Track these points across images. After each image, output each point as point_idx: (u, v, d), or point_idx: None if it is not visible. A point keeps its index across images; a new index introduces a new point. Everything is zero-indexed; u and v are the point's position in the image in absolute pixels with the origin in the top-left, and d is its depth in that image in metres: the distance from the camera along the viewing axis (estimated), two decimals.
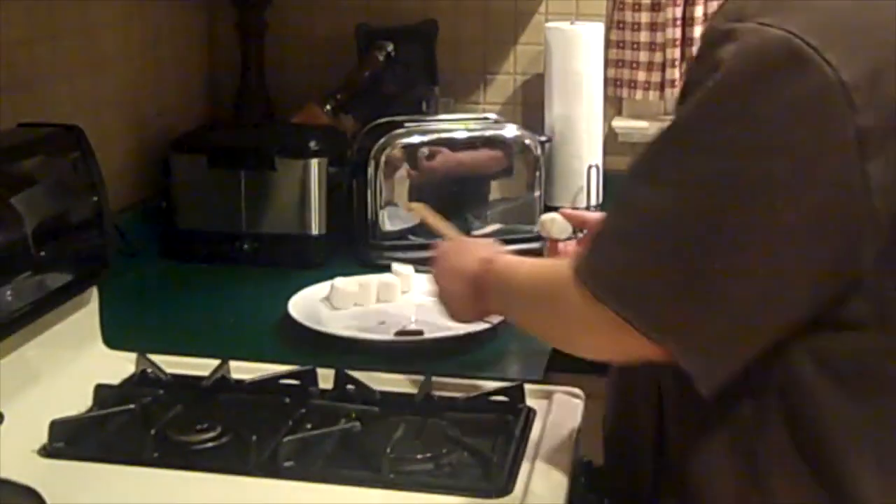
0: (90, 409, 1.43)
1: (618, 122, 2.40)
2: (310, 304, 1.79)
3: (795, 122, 1.03)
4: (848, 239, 1.04)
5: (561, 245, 1.65)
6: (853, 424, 1.10)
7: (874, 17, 1.07)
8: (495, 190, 2.15)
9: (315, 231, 2.06)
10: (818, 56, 1.02)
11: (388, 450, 1.31)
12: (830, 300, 1.07)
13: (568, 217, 1.62)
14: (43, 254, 1.43)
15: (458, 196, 2.12)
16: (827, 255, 1.05)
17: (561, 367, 1.65)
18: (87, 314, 1.59)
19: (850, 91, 1.01)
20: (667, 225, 1.08)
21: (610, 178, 2.30)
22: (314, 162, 2.04)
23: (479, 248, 1.46)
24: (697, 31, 2.26)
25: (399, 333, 1.71)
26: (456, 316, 1.51)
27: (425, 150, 2.08)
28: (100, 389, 1.46)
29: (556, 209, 2.24)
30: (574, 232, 1.64)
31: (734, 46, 1.05)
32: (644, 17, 2.30)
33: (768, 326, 1.08)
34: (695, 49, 2.26)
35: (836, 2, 1.08)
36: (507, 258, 1.41)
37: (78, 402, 1.43)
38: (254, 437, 1.33)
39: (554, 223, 1.63)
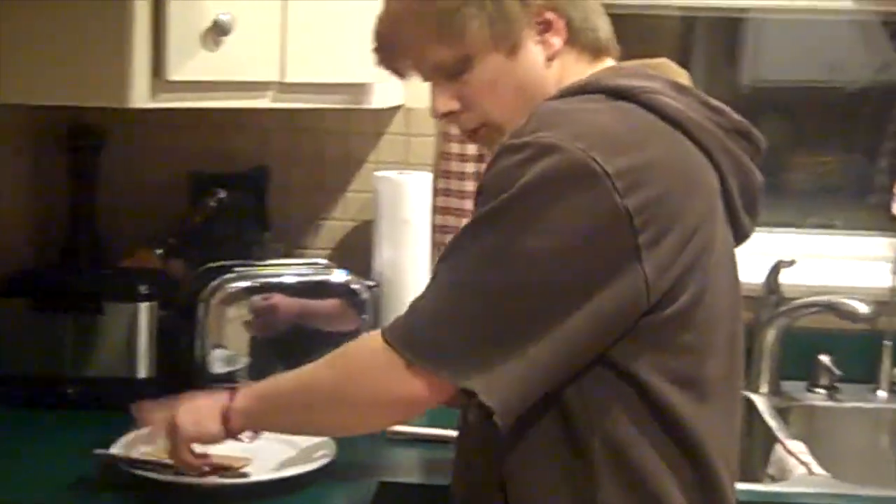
0: None
1: None
2: (134, 448, 1.77)
3: (563, 212, 1.22)
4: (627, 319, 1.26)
5: None
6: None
7: (629, 124, 1.28)
8: (324, 333, 2.19)
9: (143, 374, 2.06)
10: (583, 153, 1.21)
11: None
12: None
13: None
14: None
15: (287, 339, 2.16)
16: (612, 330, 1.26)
17: None
18: None
19: (619, 177, 1.22)
20: (466, 298, 1.26)
21: None
22: (143, 305, 2.05)
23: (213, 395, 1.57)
24: None
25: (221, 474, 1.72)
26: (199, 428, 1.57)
27: (259, 299, 2.13)
28: None
29: None
30: None
31: (519, 157, 1.24)
32: (469, 167, 2.38)
33: (557, 372, 1.27)
34: None
35: (591, 117, 1.28)
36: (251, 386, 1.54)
37: None
38: None
39: None
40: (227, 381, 2.09)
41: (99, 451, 1.73)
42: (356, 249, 2.46)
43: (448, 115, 1.44)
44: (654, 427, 1.29)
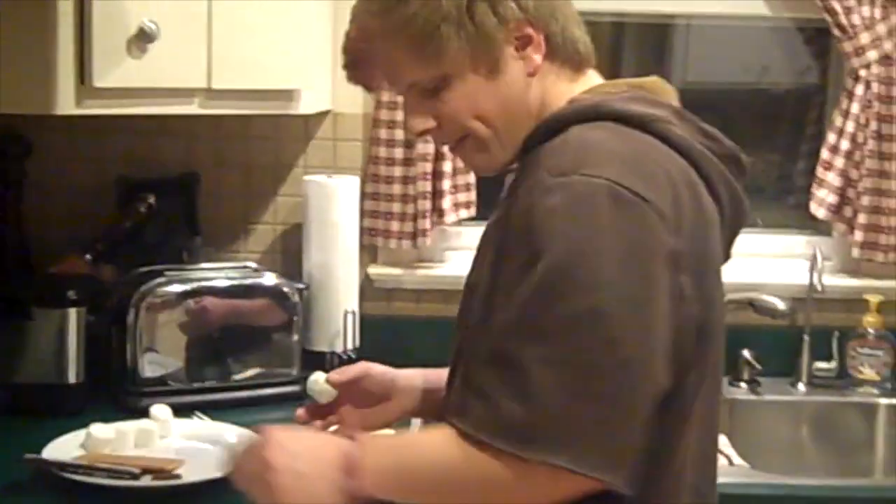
0: None
1: (373, 269, 2.50)
2: (65, 453, 1.79)
3: (630, 253, 1.21)
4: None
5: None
6: None
7: (655, 158, 1.28)
8: (255, 335, 2.23)
9: (72, 379, 2.07)
10: (630, 192, 1.21)
11: None
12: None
13: (333, 383, 1.60)
14: None
15: (219, 342, 2.19)
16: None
17: None
18: None
19: (664, 218, 1.23)
20: (567, 373, 1.19)
21: (366, 323, 2.40)
22: (72, 311, 2.06)
23: (322, 436, 1.46)
24: (447, 183, 2.40)
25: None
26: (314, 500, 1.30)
27: (191, 303, 2.15)
28: None
29: (318, 355, 2.34)
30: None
31: (562, 195, 1.22)
32: (397, 171, 2.41)
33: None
34: (447, 201, 2.41)
35: (618, 148, 1.27)
36: (372, 437, 1.39)
37: None
38: None
39: (319, 386, 1.60)
40: (159, 384, 2.12)
41: (29, 455, 1.74)
42: (286, 253, 2.49)
43: (423, 133, 1.40)
44: None
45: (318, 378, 1.61)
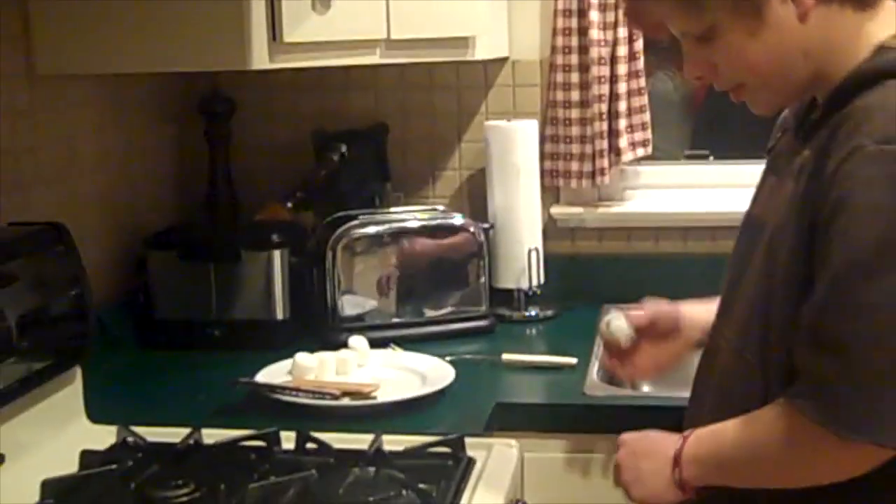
0: (77, 471, 1.60)
1: (556, 209, 2.59)
2: (274, 378, 1.97)
3: None
4: None
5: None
6: None
7: None
8: (445, 273, 2.35)
9: (279, 316, 2.25)
10: None
11: (341, 492, 1.49)
12: None
13: (636, 325, 1.66)
14: (25, 343, 1.60)
15: (411, 280, 2.32)
16: None
17: (499, 424, 1.84)
18: (71, 393, 1.77)
19: None
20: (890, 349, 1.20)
21: (550, 261, 2.49)
22: (276, 253, 2.23)
23: (661, 435, 1.49)
24: (623, 123, 2.46)
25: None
26: (652, 496, 1.46)
27: (385, 243, 2.28)
28: (85, 454, 1.63)
29: (505, 292, 2.44)
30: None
31: (885, 165, 1.19)
32: (574, 114, 2.49)
33: None
34: (623, 140, 2.48)
35: None
36: (697, 431, 1.43)
37: (66, 466, 1.60)
38: (222, 487, 1.51)
39: (619, 329, 1.66)
40: (357, 321, 2.27)
41: (244, 379, 1.92)
42: (471, 196, 2.60)
43: (700, 78, 1.41)
44: None
45: (620, 323, 1.67)
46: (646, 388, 2.15)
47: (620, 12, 2.38)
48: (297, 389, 1.89)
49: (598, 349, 2.04)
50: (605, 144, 2.48)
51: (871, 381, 1.20)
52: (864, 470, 1.26)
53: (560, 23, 2.45)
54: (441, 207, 2.46)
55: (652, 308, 1.69)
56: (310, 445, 1.66)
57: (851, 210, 1.21)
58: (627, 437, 1.52)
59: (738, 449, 1.36)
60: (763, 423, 1.32)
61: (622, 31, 2.42)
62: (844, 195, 1.22)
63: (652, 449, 1.46)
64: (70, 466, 1.61)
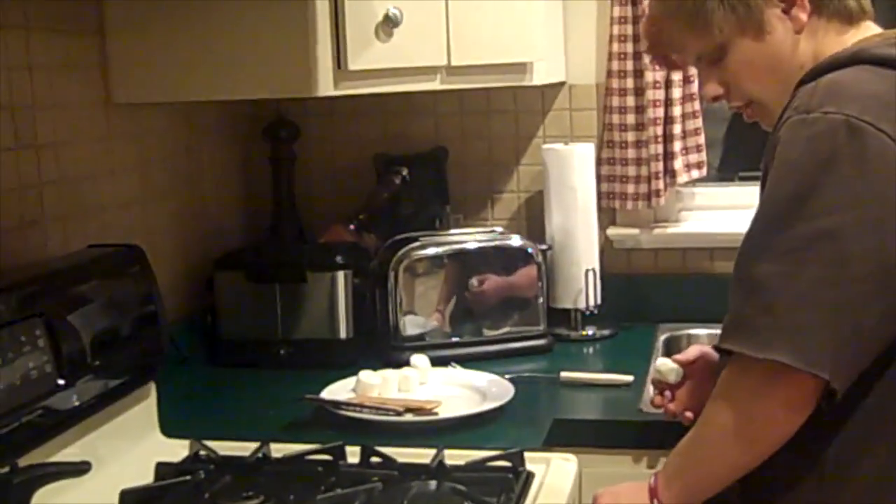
0: (153, 482, 1.67)
1: (612, 231, 2.63)
2: (339, 395, 2.02)
3: (865, 181, 1.30)
4: None
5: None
6: None
7: None
8: (503, 295, 2.38)
9: (343, 335, 2.30)
10: (874, 128, 1.31)
11: (405, 503, 1.54)
12: None
13: (680, 362, 1.76)
14: (98, 362, 1.66)
15: (472, 301, 2.36)
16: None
17: (557, 440, 1.88)
18: (145, 408, 1.85)
19: None
20: (796, 284, 1.31)
21: (607, 281, 2.53)
22: (341, 274, 2.29)
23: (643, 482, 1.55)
24: (678, 145, 2.50)
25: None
26: None
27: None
28: (160, 466, 1.70)
29: (563, 312, 2.48)
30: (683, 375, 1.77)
31: (800, 129, 1.33)
32: (630, 136, 2.53)
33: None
34: (678, 162, 2.51)
35: (870, 88, 1.35)
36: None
37: (142, 477, 1.67)
38: (291, 498, 1.57)
39: (666, 366, 1.77)
40: (418, 340, 2.32)
41: (310, 395, 1.98)
42: (529, 218, 2.65)
43: (717, 98, 1.54)
44: None
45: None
46: None
47: None
48: (362, 405, 1.94)
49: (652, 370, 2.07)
50: (660, 167, 2.51)
51: (782, 311, 1.32)
52: (803, 404, 1.33)
53: (615, 48, 2.50)
54: (499, 229, 2.49)
55: (694, 351, 1.77)
56: (374, 459, 1.71)
57: (774, 170, 1.36)
58: (606, 488, 1.59)
59: (692, 441, 1.46)
60: (703, 414, 1.44)
61: None
62: (769, 162, 1.38)
63: (631, 490, 1.54)
64: (146, 477, 1.67)
